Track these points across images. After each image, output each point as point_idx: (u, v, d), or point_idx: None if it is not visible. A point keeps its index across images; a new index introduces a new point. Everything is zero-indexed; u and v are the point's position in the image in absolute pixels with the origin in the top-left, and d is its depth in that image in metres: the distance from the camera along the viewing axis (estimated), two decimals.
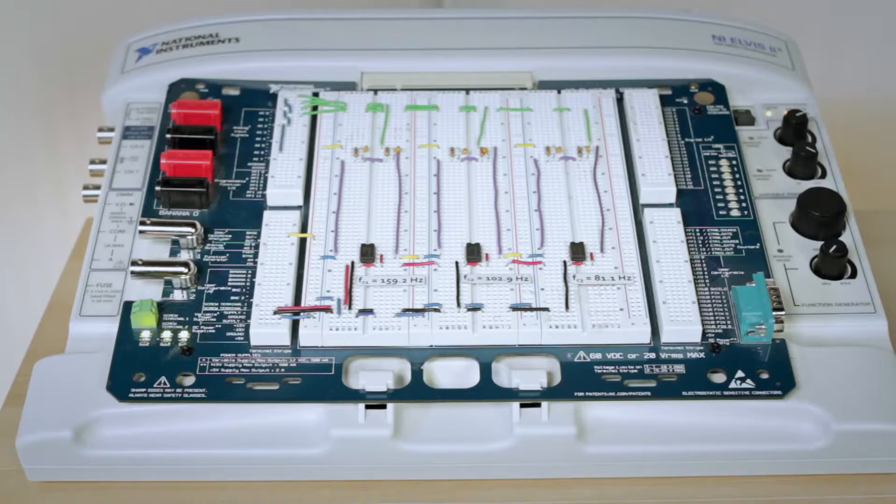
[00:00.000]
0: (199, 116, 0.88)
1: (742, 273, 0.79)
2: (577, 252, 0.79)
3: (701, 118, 0.90)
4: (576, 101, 0.90)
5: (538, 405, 0.72)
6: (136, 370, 0.74)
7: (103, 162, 0.90)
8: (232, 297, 0.78)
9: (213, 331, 0.76)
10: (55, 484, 0.74)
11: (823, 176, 0.87)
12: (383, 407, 0.73)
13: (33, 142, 1.21)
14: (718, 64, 0.93)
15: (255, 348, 0.75)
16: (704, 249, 0.81)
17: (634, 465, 0.74)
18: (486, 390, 0.73)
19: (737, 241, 0.81)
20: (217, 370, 0.74)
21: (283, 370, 0.74)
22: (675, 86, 0.92)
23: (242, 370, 0.74)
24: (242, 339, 0.76)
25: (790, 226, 0.83)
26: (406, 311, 0.76)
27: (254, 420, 0.73)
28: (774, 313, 0.75)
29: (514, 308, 0.76)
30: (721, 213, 0.83)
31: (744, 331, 0.75)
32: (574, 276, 0.78)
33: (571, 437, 0.72)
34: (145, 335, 0.76)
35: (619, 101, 0.91)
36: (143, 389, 0.73)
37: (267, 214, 0.82)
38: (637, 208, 0.83)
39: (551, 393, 0.73)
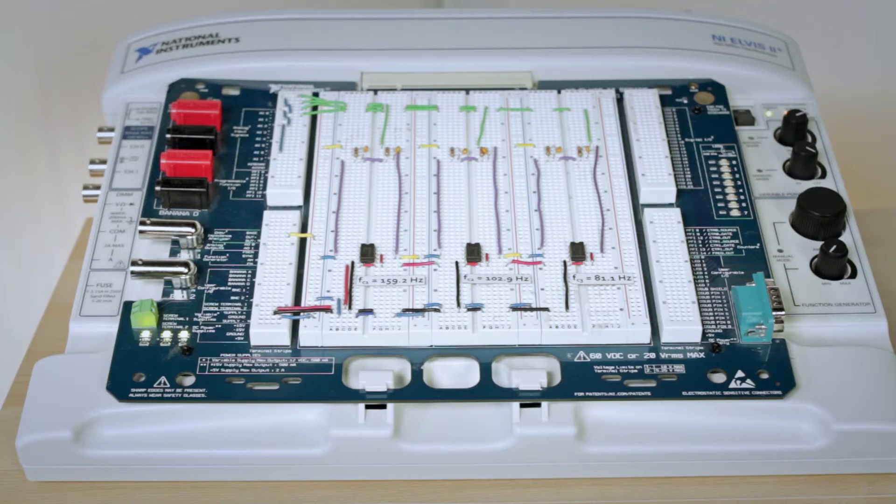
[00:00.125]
0: (199, 116, 0.88)
1: (742, 273, 0.79)
2: (577, 252, 0.79)
3: (701, 118, 0.90)
4: (576, 101, 0.90)
5: (538, 405, 0.72)
6: (136, 370, 0.74)
7: (103, 162, 0.90)
8: (232, 297, 0.78)
9: (213, 331, 0.76)
10: (55, 484, 0.74)
11: (823, 176, 0.87)
12: (383, 407, 0.73)
13: (33, 142, 1.21)
14: (718, 64, 0.93)
15: (255, 348, 0.75)
16: (704, 249, 0.81)
17: (634, 465, 0.74)
18: (486, 390, 0.73)
19: (737, 241, 0.81)
20: (217, 370, 0.74)
21: (283, 370, 0.74)
22: (675, 86, 0.92)
23: (242, 370, 0.74)
24: (242, 339, 0.76)
25: (790, 226, 0.83)
26: (406, 311, 0.76)
27: (254, 420, 0.73)
28: (774, 313, 0.75)
29: (514, 308, 0.76)
30: (721, 213, 0.83)
31: (744, 331, 0.75)
32: (574, 276, 0.78)
33: (571, 437, 0.72)
34: (145, 335, 0.76)
35: (619, 101, 0.91)
36: (143, 389, 0.73)
37: (267, 214, 0.82)
38: (637, 208, 0.83)
39: (551, 393, 0.73)
